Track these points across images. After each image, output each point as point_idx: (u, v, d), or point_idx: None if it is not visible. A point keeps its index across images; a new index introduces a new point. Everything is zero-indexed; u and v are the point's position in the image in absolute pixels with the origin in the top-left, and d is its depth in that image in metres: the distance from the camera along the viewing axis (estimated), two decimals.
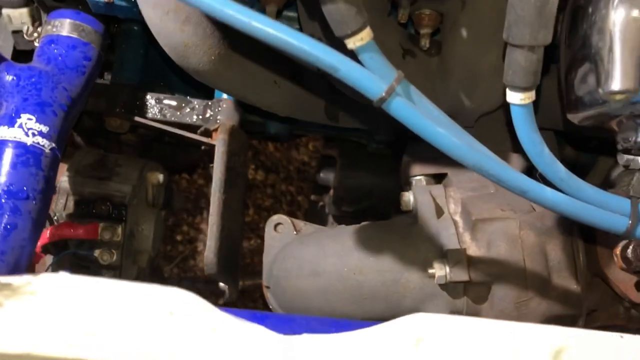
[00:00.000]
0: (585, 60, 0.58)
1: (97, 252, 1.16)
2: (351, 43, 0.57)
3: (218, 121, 1.26)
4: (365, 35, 0.57)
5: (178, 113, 1.29)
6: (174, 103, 1.29)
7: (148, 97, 1.28)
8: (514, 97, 0.59)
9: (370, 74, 0.58)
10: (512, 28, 0.57)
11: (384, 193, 1.49)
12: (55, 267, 1.15)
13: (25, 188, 0.92)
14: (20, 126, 0.95)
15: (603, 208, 0.64)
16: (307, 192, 2.72)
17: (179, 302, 0.47)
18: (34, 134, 0.95)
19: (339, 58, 0.56)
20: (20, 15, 1.17)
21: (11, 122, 0.95)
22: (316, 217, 1.69)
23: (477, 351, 0.51)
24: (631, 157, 0.67)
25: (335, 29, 0.57)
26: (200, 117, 1.29)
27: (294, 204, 2.71)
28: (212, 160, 1.50)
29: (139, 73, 1.30)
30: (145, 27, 1.25)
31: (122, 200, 1.20)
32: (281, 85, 1.01)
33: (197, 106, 1.29)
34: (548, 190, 0.62)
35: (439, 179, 1.10)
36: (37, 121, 0.96)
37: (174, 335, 0.46)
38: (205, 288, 1.53)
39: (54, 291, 0.46)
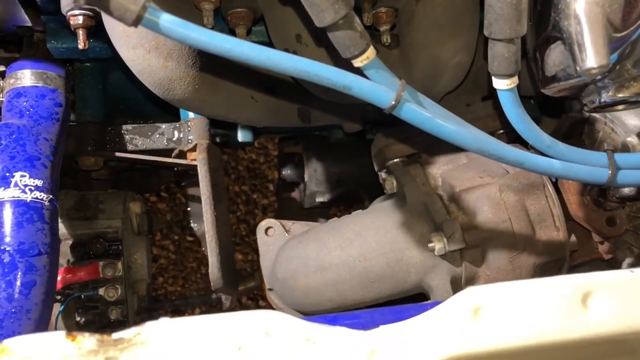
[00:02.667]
0: (556, 42, 0.68)
1: (102, 291, 1.19)
2: (358, 62, 0.64)
3: (189, 141, 1.29)
4: (371, 54, 0.63)
5: (148, 140, 1.32)
6: (142, 131, 1.31)
7: (116, 129, 1.30)
8: (500, 84, 0.68)
9: (378, 86, 0.65)
10: (492, 25, 0.65)
11: (353, 178, 1.57)
12: (65, 313, 1.17)
13: (35, 244, 0.94)
14: (16, 184, 0.96)
15: (585, 164, 0.74)
16: (261, 189, 2.77)
17: (270, 321, 0.53)
18: (31, 190, 0.96)
19: (350, 78, 0.63)
20: None
21: (6, 183, 0.96)
22: (289, 212, 1.75)
23: (518, 309, 0.59)
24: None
25: (343, 52, 0.63)
26: (173, 139, 1.31)
27: (250, 202, 2.75)
28: (186, 179, 1.53)
29: (102, 108, 1.31)
30: (98, 62, 1.27)
31: (115, 236, 1.22)
32: (258, 100, 1.06)
33: (165, 130, 1.32)
34: (540, 158, 0.71)
35: (412, 158, 1.19)
36: (30, 177, 0.97)
37: (275, 351, 0.52)
38: (200, 301, 1.57)
39: (162, 337, 0.51)
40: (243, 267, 2.51)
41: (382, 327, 0.56)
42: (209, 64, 0.94)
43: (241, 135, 1.41)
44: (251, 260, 2.59)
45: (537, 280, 0.61)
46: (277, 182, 2.16)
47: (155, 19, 0.57)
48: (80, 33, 0.90)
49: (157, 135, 1.32)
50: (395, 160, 1.19)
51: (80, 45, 0.90)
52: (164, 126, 1.32)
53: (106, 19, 0.87)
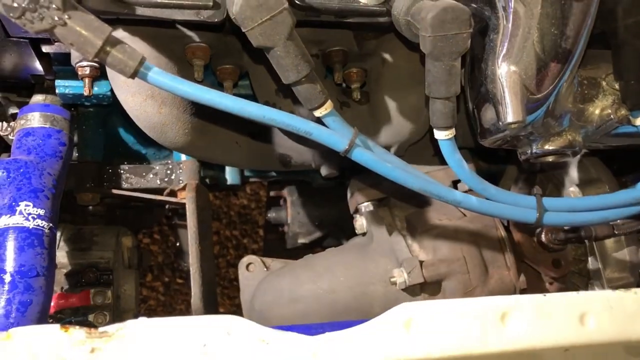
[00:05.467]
0: (486, 101, 0.80)
1: (91, 317, 1.28)
2: (318, 113, 0.76)
3: (180, 181, 1.42)
4: (328, 105, 0.76)
5: (143, 180, 1.44)
6: (137, 171, 1.43)
7: (113, 169, 1.42)
8: (440, 135, 0.81)
9: (334, 133, 0.77)
10: (431, 86, 0.78)
11: (334, 221, 1.68)
12: None
13: (34, 267, 1.04)
14: (21, 213, 1.07)
15: (516, 206, 0.85)
16: (251, 234, 2.87)
17: (231, 324, 0.64)
18: (33, 218, 1.07)
19: (311, 125, 0.75)
20: None
21: (12, 211, 1.07)
22: (274, 252, 1.86)
23: (446, 321, 0.70)
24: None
25: (305, 104, 0.76)
26: (165, 179, 1.44)
27: (240, 247, 2.84)
28: (176, 218, 1.65)
29: (102, 149, 1.44)
30: (99, 108, 1.41)
31: (107, 266, 1.32)
32: (242, 145, 1.18)
33: (159, 171, 1.44)
34: (474, 198, 0.83)
35: (382, 202, 1.31)
36: (34, 206, 1.08)
37: (234, 349, 0.62)
38: None
39: (139, 333, 0.61)
40: (230, 310, 2.58)
41: (327, 333, 0.66)
42: (198, 111, 1.06)
43: (229, 178, 1.53)
44: (238, 303, 2.67)
45: (462, 299, 0.72)
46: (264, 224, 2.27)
47: (149, 72, 0.69)
48: (86, 81, 1.03)
49: (151, 175, 1.44)
50: (366, 203, 1.30)
51: (85, 92, 1.03)
52: (157, 167, 1.44)
53: (109, 70, 1.00)
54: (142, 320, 0.62)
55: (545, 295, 0.74)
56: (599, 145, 0.97)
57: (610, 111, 0.84)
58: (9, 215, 1.07)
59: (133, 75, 0.69)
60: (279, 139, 1.22)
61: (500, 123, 0.76)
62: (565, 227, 1.09)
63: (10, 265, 1.03)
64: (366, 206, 1.31)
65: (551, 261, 1.15)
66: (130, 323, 0.62)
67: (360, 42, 1.07)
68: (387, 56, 1.08)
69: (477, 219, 1.16)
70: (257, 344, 0.64)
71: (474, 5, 0.76)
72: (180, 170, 1.44)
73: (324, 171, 1.39)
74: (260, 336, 0.64)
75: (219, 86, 1.11)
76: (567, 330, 0.73)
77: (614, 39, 0.82)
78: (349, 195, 1.36)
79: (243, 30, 0.71)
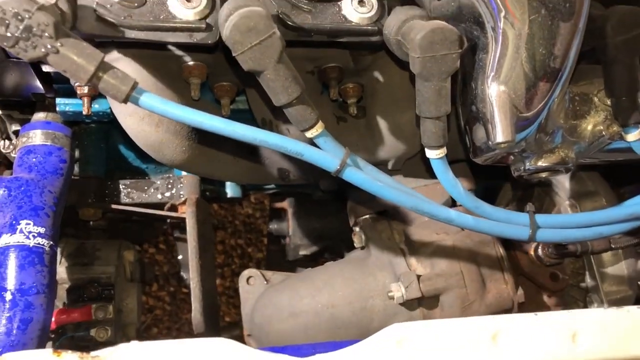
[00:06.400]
0: (476, 120, 0.81)
1: (93, 332, 1.29)
2: (309, 134, 0.77)
3: (181, 196, 1.43)
4: (319, 127, 0.77)
5: (144, 195, 1.45)
6: (138, 186, 1.44)
7: (115, 184, 1.44)
8: (431, 154, 0.81)
9: (326, 154, 0.78)
10: (421, 106, 0.78)
11: (334, 233, 1.69)
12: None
13: (34, 284, 1.05)
14: (21, 231, 1.08)
15: (509, 223, 0.86)
16: (256, 243, 2.87)
17: (224, 347, 0.64)
18: (34, 236, 1.09)
19: (302, 146, 0.76)
20: None
21: (12, 229, 1.08)
22: (276, 264, 1.87)
23: (437, 342, 0.71)
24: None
25: (297, 125, 0.77)
26: (166, 194, 1.45)
27: (245, 256, 2.85)
28: (177, 231, 1.66)
29: (103, 165, 1.45)
30: (100, 124, 1.42)
31: (108, 281, 1.33)
32: (240, 161, 1.19)
33: (160, 185, 1.46)
34: (469, 217, 0.84)
35: (381, 215, 1.31)
36: (34, 224, 1.10)
37: None
38: None
39: (131, 356, 0.62)
40: (235, 320, 2.59)
41: (318, 355, 0.67)
42: (195, 130, 1.08)
43: (230, 191, 1.54)
44: None
45: (454, 319, 0.72)
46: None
47: (140, 97, 0.71)
48: (85, 101, 1.05)
49: (152, 190, 1.46)
50: (365, 216, 1.31)
51: (84, 111, 1.05)
52: (158, 182, 1.45)
53: None
54: (134, 343, 0.63)
55: (536, 315, 0.74)
56: (595, 161, 0.97)
57: (602, 127, 0.85)
58: (9, 234, 1.08)
59: (125, 100, 0.70)
60: (277, 155, 1.23)
61: (490, 142, 0.77)
62: (568, 248, 1.10)
63: (11, 283, 1.04)
64: (365, 220, 1.31)
65: (549, 275, 1.15)
66: (122, 346, 0.63)
67: (356, 58, 1.08)
68: (382, 72, 1.09)
69: (474, 234, 1.16)
70: None
71: (463, 25, 0.77)
72: (181, 185, 1.45)
73: (322, 185, 1.39)
74: (249, 358, 0.65)
75: (217, 103, 1.12)
76: (559, 350, 0.73)
77: (605, 56, 0.82)
78: (348, 208, 1.36)
79: (233, 55, 0.72)
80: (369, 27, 0.86)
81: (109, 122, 1.34)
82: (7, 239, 1.08)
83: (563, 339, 0.74)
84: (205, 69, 1.01)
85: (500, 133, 0.74)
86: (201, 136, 1.09)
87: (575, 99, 0.86)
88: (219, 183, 1.55)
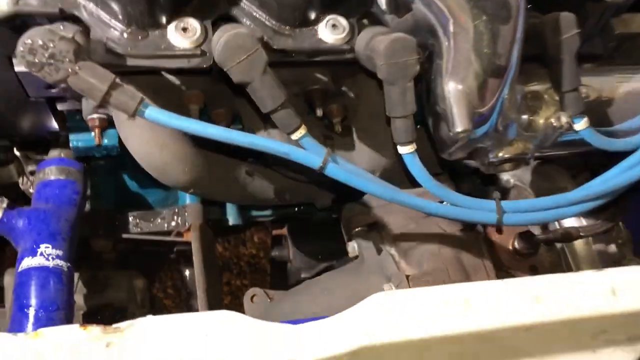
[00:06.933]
0: (440, 118, 0.92)
1: None
2: (294, 136, 0.89)
3: (186, 223, 1.53)
4: (302, 129, 0.88)
5: (151, 224, 1.56)
6: (146, 216, 1.55)
7: (124, 216, 1.54)
8: (403, 150, 0.92)
9: (309, 153, 0.89)
10: (390, 107, 0.90)
11: (334, 253, 1.78)
12: None
13: (55, 302, 1.15)
14: (42, 254, 1.19)
15: (479, 209, 0.96)
16: (260, 283, 2.95)
17: (230, 317, 0.74)
18: (53, 258, 1.19)
19: (288, 147, 0.88)
20: (8, 171, 1.43)
21: (33, 253, 1.19)
22: (280, 289, 1.95)
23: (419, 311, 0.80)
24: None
25: (282, 129, 0.88)
26: (172, 223, 1.55)
27: None
28: (181, 260, 1.75)
29: (113, 198, 1.56)
30: (109, 161, 1.54)
31: (121, 304, 1.43)
32: (240, 181, 1.31)
33: (166, 215, 1.56)
34: (441, 205, 0.94)
35: (372, 226, 1.41)
36: (53, 247, 1.20)
37: (232, 336, 0.72)
38: None
39: (149, 327, 0.72)
40: None
41: (310, 322, 0.77)
42: (197, 152, 1.19)
43: (232, 219, 1.65)
44: None
45: (431, 287, 0.82)
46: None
47: (146, 110, 0.83)
48: (96, 132, 1.17)
49: (159, 220, 1.56)
50: (357, 229, 1.41)
51: (96, 142, 1.17)
52: (164, 212, 1.56)
53: (116, 119, 1.14)
54: (150, 317, 0.73)
55: (503, 281, 0.84)
56: (557, 154, 1.08)
57: (553, 120, 0.96)
58: (31, 257, 1.19)
59: (134, 113, 0.82)
60: (274, 176, 1.35)
61: (451, 133, 0.88)
62: (539, 236, 1.19)
63: (34, 301, 1.14)
64: (357, 232, 1.41)
65: (528, 267, 1.24)
66: (139, 320, 0.73)
67: (337, 80, 1.20)
68: (361, 92, 1.21)
69: (458, 235, 1.26)
70: (248, 332, 0.74)
71: (419, 36, 0.89)
72: (186, 213, 1.56)
73: (317, 203, 1.50)
74: (253, 327, 0.74)
75: None
76: (523, 310, 0.82)
77: (548, 56, 0.94)
78: (342, 222, 1.47)
79: (225, 69, 0.85)
80: (342, 47, 0.99)
81: (117, 158, 1.46)
82: (29, 262, 1.18)
83: (527, 300, 0.83)
84: (203, 97, 1.14)
85: (459, 123, 0.86)
86: (203, 158, 1.21)
87: (527, 96, 0.98)
88: (220, 212, 1.66)
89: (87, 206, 1.57)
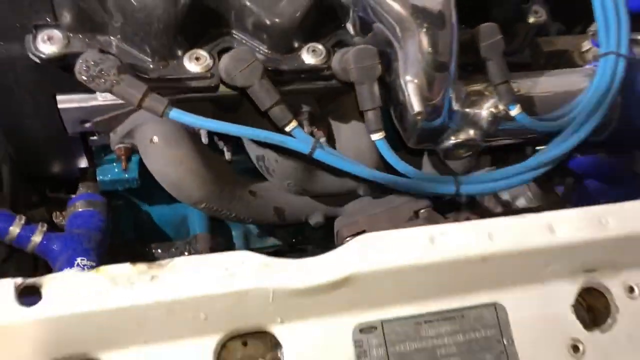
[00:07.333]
0: (401, 107, 1.17)
1: None
2: (288, 128, 1.13)
3: (197, 248, 1.74)
4: (294, 123, 1.13)
5: (167, 254, 1.76)
6: (163, 247, 1.76)
7: (142, 248, 1.75)
8: (375, 136, 1.17)
9: (300, 141, 1.13)
10: (362, 102, 1.15)
11: None
12: None
13: None
14: (78, 264, 1.39)
15: (439, 182, 1.19)
16: None
17: (246, 255, 0.95)
18: (88, 268, 1.39)
19: (283, 137, 1.12)
20: (42, 211, 1.65)
21: (71, 264, 1.39)
22: None
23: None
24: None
25: (278, 122, 1.13)
26: (185, 252, 1.76)
27: None
28: None
29: (132, 231, 1.78)
30: (129, 200, 1.77)
31: None
32: (243, 198, 1.53)
33: (179, 245, 1.77)
34: (408, 180, 1.17)
35: (360, 234, 1.62)
36: (87, 260, 1.40)
37: (247, 269, 0.93)
38: None
39: (184, 263, 0.92)
40: None
41: (311, 257, 0.97)
42: (209, 171, 1.42)
43: (237, 243, 1.85)
44: None
45: (402, 229, 1.03)
46: None
47: (170, 112, 1.07)
48: (123, 159, 1.40)
49: (173, 250, 1.77)
50: (348, 238, 1.62)
51: (122, 166, 1.40)
52: (178, 243, 1.77)
53: (140, 144, 1.38)
54: (184, 256, 0.94)
55: (463, 222, 1.06)
56: (506, 141, 1.33)
57: (493, 109, 1.21)
58: (69, 269, 1.39)
59: (162, 114, 1.06)
60: (273, 196, 1.57)
61: (410, 117, 1.13)
62: None
63: None
64: (347, 240, 1.62)
65: None
66: (177, 259, 0.93)
67: (322, 105, 1.46)
68: (342, 112, 1.47)
69: None
70: (262, 265, 0.95)
71: (380, 47, 1.16)
72: (197, 243, 1.77)
73: (312, 220, 1.72)
74: (264, 261, 0.95)
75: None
76: (478, 244, 1.03)
77: (481, 59, 1.21)
78: (335, 234, 1.67)
79: (231, 77, 1.10)
80: (322, 66, 1.25)
81: (136, 195, 1.68)
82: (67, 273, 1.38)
83: (482, 237, 1.04)
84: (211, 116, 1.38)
85: (416, 106, 1.11)
86: (214, 175, 1.43)
87: (470, 93, 1.23)
88: (225, 241, 1.86)
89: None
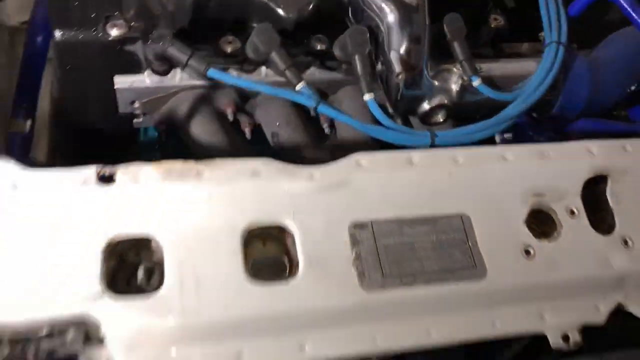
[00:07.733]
0: (389, 77, 1.50)
1: None
2: (298, 87, 1.46)
3: None
4: (302, 83, 1.46)
5: None
6: None
7: None
8: (366, 97, 1.49)
9: (308, 97, 1.46)
10: (356, 69, 1.49)
11: None
12: None
13: None
14: None
15: (416, 135, 1.51)
16: None
17: (264, 160, 1.25)
18: None
19: (296, 95, 1.45)
20: None
21: None
22: None
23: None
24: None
25: (291, 81, 1.46)
26: None
27: None
28: None
29: None
30: None
31: None
32: None
33: None
34: (388, 130, 1.48)
35: None
36: None
37: (270, 170, 1.23)
38: None
39: (223, 164, 1.22)
40: None
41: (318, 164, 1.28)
42: (235, 148, 1.73)
43: None
44: None
45: (388, 151, 1.34)
46: None
47: (210, 71, 1.41)
48: (161, 130, 1.73)
49: None
50: None
51: (162, 138, 1.72)
52: None
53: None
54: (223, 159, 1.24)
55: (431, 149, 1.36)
56: (473, 112, 1.66)
57: (459, 81, 1.55)
58: None
59: (204, 72, 1.41)
60: None
61: (395, 78, 1.47)
62: None
63: None
64: None
65: None
66: (217, 160, 1.23)
67: (324, 97, 1.80)
68: (344, 96, 1.80)
69: None
70: (280, 169, 1.25)
71: (368, 25, 1.52)
72: None
73: None
74: (282, 166, 1.25)
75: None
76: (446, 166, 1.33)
77: (447, 43, 1.56)
78: None
79: (254, 46, 1.45)
80: (326, 50, 1.60)
81: None
82: None
83: (448, 160, 1.34)
84: (234, 104, 1.71)
85: (396, 67, 1.45)
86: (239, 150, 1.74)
87: (440, 70, 1.58)
88: None
89: None
